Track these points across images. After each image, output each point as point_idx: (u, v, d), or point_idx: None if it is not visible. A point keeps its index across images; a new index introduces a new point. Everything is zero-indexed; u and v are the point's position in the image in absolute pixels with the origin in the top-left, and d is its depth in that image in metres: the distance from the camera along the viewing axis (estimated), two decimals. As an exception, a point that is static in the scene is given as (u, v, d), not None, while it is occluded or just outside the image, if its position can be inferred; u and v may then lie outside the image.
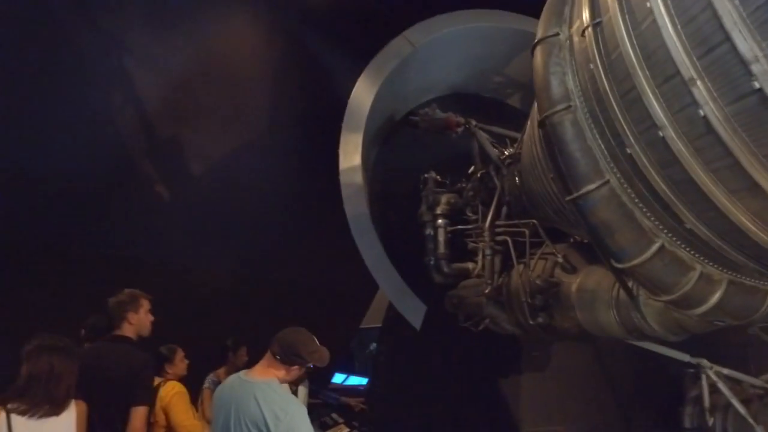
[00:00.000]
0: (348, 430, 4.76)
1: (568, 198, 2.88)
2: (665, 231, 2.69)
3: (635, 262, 2.78)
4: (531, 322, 4.34)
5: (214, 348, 5.70)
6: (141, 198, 6.17)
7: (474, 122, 5.45)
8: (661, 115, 2.18)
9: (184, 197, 6.26)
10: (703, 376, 5.76)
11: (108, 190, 5.97)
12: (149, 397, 3.32)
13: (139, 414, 3.15)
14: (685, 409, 6.24)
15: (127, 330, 3.43)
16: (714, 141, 2.01)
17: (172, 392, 3.62)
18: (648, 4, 2.08)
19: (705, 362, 5.76)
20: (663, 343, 5.88)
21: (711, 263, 2.73)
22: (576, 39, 2.76)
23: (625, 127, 2.44)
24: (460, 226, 5.54)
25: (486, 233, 4.96)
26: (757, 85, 1.72)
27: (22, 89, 5.79)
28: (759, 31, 1.68)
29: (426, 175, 6.01)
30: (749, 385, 5.90)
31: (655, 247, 2.71)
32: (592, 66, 2.57)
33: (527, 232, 4.51)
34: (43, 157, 5.67)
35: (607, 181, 2.72)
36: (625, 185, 2.68)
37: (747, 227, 2.19)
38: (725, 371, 5.72)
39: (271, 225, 6.53)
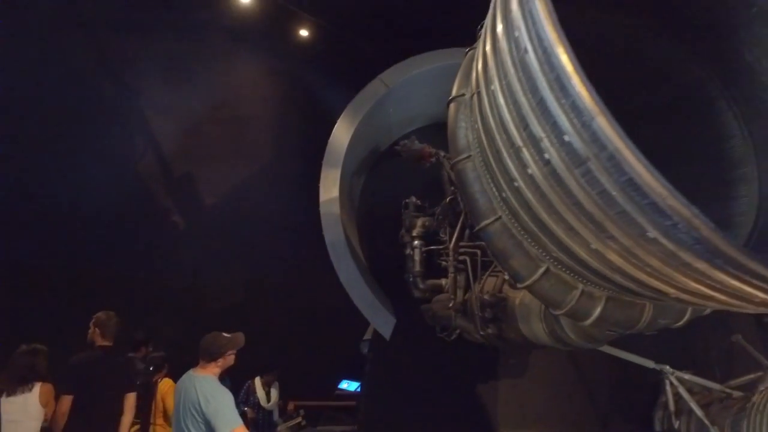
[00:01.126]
0: (302, 420, 5.45)
1: (473, 230, 3.44)
2: (548, 257, 3.21)
3: (528, 282, 3.31)
4: (482, 333, 4.86)
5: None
6: (157, 226, 6.99)
7: (443, 153, 6.01)
8: (513, 170, 2.74)
9: (196, 224, 7.05)
10: (667, 382, 6.11)
11: (129, 219, 6.81)
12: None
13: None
14: (656, 413, 6.55)
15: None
16: (542, 193, 2.56)
17: (167, 386, 4.64)
18: (493, 87, 2.66)
19: (667, 368, 6.11)
20: (629, 350, 6.29)
21: (589, 283, 3.23)
22: (471, 101, 3.34)
23: (499, 176, 3.00)
24: (433, 247, 6.09)
25: (451, 253, 5.50)
26: (546, 156, 2.28)
27: (58, 135, 6.75)
28: (543, 117, 2.25)
29: (407, 200, 6.60)
30: (720, 390, 6.21)
31: (541, 271, 3.23)
32: (476, 125, 3.15)
33: (479, 252, 5.03)
34: (74, 191, 6.58)
35: (499, 217, 3.27)
36: (513, 221, 3.23)
37: (584, 258, 2.71)
38: (686, 376, 6.04)
39: (274, 248, 7.25)
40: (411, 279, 6.23)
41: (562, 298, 3.30)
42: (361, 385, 7.34)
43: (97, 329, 4.75)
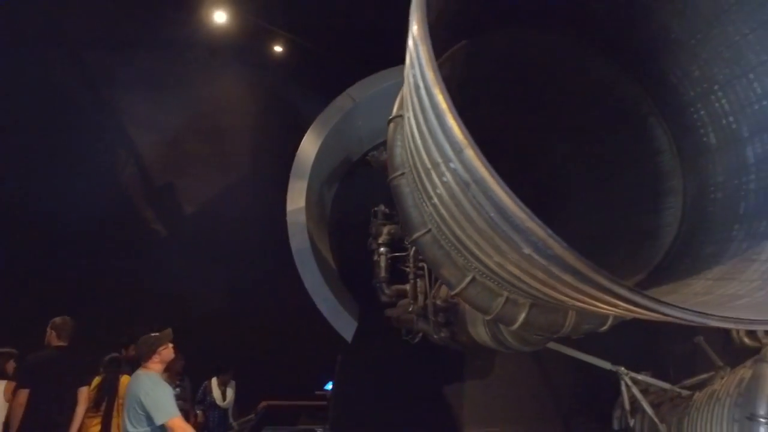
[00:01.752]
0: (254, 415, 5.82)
1: (407, 241, 3.68)
2: (473, 267, 3.44)
3: (457, 290, 3.54)
4: (435, 336, 5.09)
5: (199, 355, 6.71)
6: (141, 235, 7.24)
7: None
8: (429, 188, 2.98)
9: (177, 232, 7.30)
10: (622, 382, 6.33)
11: (113, 229, 7.06)
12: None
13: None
14: (615, 412, 6.77)
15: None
16: (450, 210, 2.80)
17: (127, 382, 5.11)
18: (408, 113, 2.91)
19: (622, 369, 6.33)
20: (595, 352, 6.52)
21: (513, 290, 3.46)
22: (402, 122, 3.59)
23: (422, 193, 3.25)
24: (398, 254, 6.33)
25: (411, 260, 5.74)
26: (444, 179, 2.52)
27: (43, 148, 7.01)
28: (435, 145, 2.49)
29: (376, 209, 6.83)
30: (678, 390, 6.42)
31: (467, 280, 3.47)
32: (407, 144, 3.39)
33: (433, 260, 5.27)
34: (59, 204, 6.82)
35: (429, 230, 3.50)
36: (441, 233, 3.47)
37: (494, 269, 2.95)
38: (640, 377, 6.26)
39: (254, 254, 7.48)
40: (377, 284, 6.47)
41: (488, 304, 3.53)
42: (332, 386, 7.59)
43: (53, 332, 5.24)
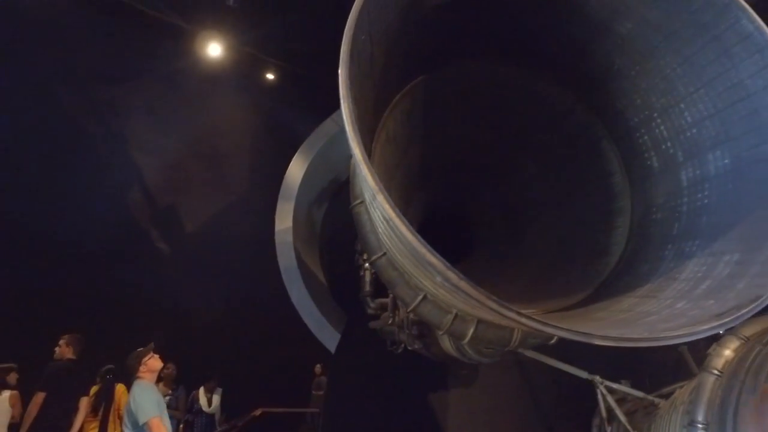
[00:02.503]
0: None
1: (368, 262, 4.01)
2: (423, 286, 3.75)
3: (411, 307, 3.84)
4: (410, 348, 5.38)
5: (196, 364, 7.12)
6: (145, 251, 7.69)
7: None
8: (374, 218, 3.31)
9: (176, 250, 7.73)
10: (598, 391, 6.52)
11: (119, 248, 7.51)
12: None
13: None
14: (594, 420, 6.95)
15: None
16: (389, 242, 3.12)
17: (122, 390, 5.52)
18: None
19: (598, 378, 6.52)
20: (565, 361, 6.73)
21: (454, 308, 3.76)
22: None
23: (374, 221, 3.57)
24: (381, 269, 6.64)
25: (391, 275, 6.05)
26: (377, 213, 2.85)
27: (53, 173, 7.51)
28: (365, 184, 2.81)
29: (362, 226, 7.17)
30: (650, 398, 6.60)
31: (419, 298, 3.77)
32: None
33: (408, 275, 5.57)
34: (66, 224, 7.31)
35: (385, 253, 3.83)
36: (393, 256, 3.79)
37: (432, 290, 3.26)
38: (615, 386, 6.44)
39: (250, 271, 7.86)
40: (363, 298, 6.79)
41: (440, 320, 3.82)
42: (324, 394, 7.90)
43: (67, 346, 5.72)
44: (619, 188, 4.58)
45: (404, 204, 5.52)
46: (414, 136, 5.04)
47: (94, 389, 6.04)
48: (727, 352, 4.17)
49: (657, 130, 4.20)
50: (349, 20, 2.94)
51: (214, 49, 7.25)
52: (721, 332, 4.50)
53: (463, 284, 2.35)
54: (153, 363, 4.56)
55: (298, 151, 6.91)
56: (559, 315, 3.87)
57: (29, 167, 7.12)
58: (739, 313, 2.53)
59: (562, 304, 4.08)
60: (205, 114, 7.72)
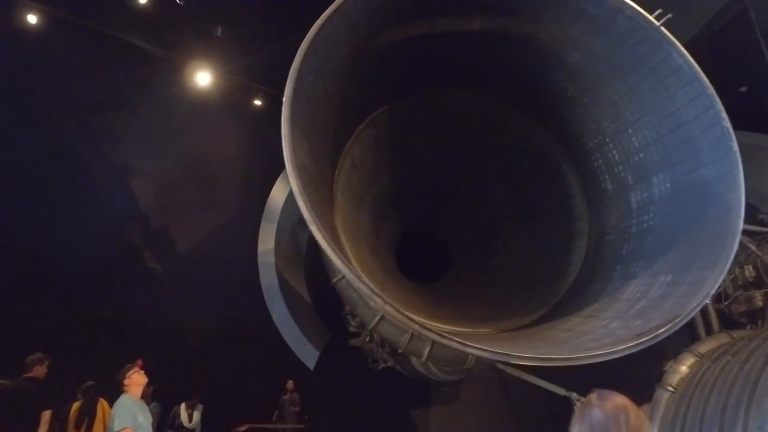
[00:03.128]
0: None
1: (332, 284, 4.17)
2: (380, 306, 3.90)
3: (371, 326, 3.98)
4: (382, 365, 5.50)
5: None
6: (139, 271, 7.91)
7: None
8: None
9: (171, 271, 7.94)
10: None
11: (113, 266, 7.74)
12: None
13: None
14: (572, 436, 6.97)
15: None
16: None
17: (105, 405, 5.59)
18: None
19: (574, 395, 6.56)
20: (543, 378, 6.78)
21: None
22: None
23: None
24: (362, 288, 6.78)
25: (369, 295, 6.19)
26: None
27: (54, 197, 7.79)
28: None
29: (346, 246, 7.34)
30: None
31: (377, 318, 3.90)
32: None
33: (382, 296, 5.72)
34: (66, 244, 7.56)
35: (344, 276, 3.98)
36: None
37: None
38: (591, 402, 6.48)
39: (236, 290, 8.03)
40: (344, 316, 6.93)
41: (397, 339, 3.95)
42: (308, 410, 8.00)
43: (35, 366, 5.79)
44: (578, 210, 4.72)
45: (377, 223, 5.69)
46: (383, 160, 5.22)
47: (76, 405, 6.18)
48: (683, 369, 4.25)
49: (610, 154, 4.35)
50: (294, 61, 3.15)
51: (203, 78, 7.56)
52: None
53: (388, 308, 2.51)
54: (136, 377, 4.76)
55: (281, 174, 7.11)
56: (513, 333, 3.99)
57: (29, 191, 7.40)
58: (656, 333, 2.65)
59: (520, 323, 4.20)
60: (196, 139, 7.99)
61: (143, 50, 7.51)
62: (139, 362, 4.92)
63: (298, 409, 7.71)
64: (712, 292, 2.79)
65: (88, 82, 7.68)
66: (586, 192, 4.71)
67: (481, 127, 5.09)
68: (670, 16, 3.49)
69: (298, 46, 3.25)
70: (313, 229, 2.48)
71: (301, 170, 2.83)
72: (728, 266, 2.84)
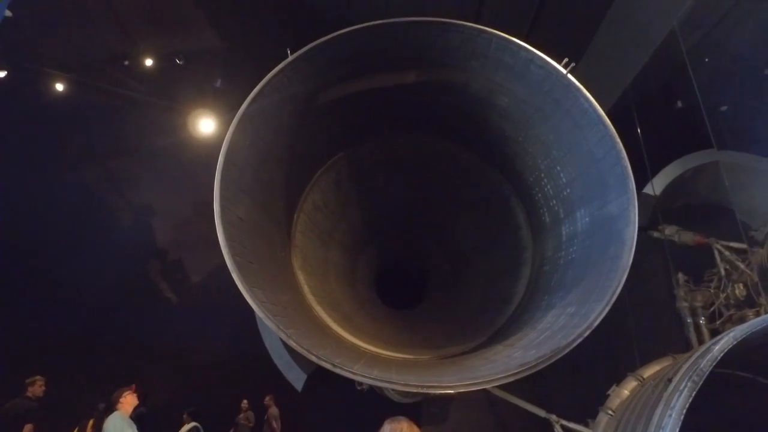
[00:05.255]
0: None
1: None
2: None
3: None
4: (358, 388, 5.75)
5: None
6: (154, 301, 8.51)
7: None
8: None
9: (185, 298, 8.51)
10: (555, 428, 6.58)
11: (128, 296, 8.38)
12: None
13: None
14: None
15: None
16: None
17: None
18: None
19: (554, 417, 6.59)
20: (526, 400, 6.85)
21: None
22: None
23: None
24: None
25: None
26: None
27: (76, 232, 8.52)
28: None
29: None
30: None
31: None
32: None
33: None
34: (85, 276, 8.23)
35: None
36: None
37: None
38: (570, 425, 6.48)
39: (241, 316, 8.47)
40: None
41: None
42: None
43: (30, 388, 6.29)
44: (525, 241, 4.90)
45: (352, 256, 6.00)
46: (348, 200, 5.55)
47: (90, 423, 6.72)
48: (625, 393, 4.32)
49: (546, 189, 4.54)
50: (227, 133, 3.57)
51: (206, 125, 8.24)
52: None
53: (291, 342, 2.83)
54: (129, 398, 5.19)
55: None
56: (449, 360, 4.20)
57: (57, 228, 8.15)
58: (535, 363, 2.85)
59: (461, 350, 4.39)
60: (205, 180, 8.57)
61: (152, 103, 8.23)
62: (133, 386, 5.37)
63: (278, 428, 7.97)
64: (595, 324, 2.95)
65: (107, 132, 8.47)
66: (530, 224, 4.89)
67: (437, 164, 5.35)
68: (573, 65, 3.72)
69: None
70: (234, 276, 2.84)
71: (227, 225, 3.20)
72: (613, 300, 3.00)
